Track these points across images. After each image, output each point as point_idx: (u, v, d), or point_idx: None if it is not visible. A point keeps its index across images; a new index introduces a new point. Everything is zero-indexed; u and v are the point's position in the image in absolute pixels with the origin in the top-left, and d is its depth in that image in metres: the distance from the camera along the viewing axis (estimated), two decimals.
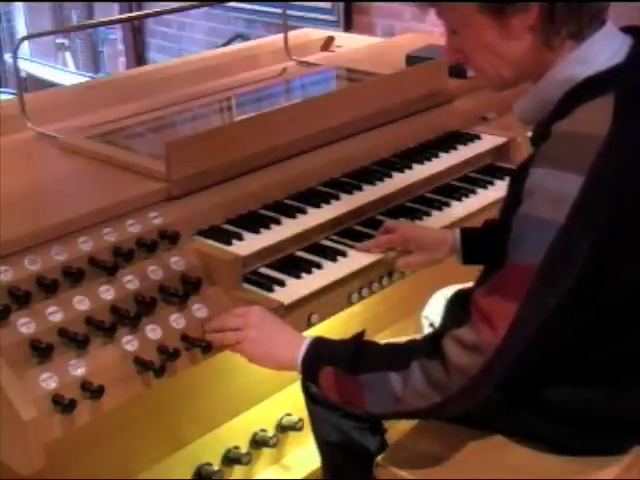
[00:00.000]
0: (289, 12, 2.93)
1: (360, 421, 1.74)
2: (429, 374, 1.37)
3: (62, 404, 1.43)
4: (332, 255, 1.80)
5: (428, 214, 2.01)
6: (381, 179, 2.05)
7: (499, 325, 1.32)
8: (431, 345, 1.40)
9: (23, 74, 5.27)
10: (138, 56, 6.18)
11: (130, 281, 1.62)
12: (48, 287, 1.53)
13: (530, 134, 1.55)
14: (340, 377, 1.45)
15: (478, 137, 2.33)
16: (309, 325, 1.73)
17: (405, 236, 1.84)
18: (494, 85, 1.54)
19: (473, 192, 2.13)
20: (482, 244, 1.79)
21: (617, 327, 1.45)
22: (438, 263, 1.86)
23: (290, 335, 1.54)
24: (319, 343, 1.51)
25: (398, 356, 1.43)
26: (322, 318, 1.75)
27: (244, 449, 2.11)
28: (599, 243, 1.30)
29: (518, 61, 1.45)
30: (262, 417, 2.15)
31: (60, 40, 6.51)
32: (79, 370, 1.48)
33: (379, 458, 1.61)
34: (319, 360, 1.48)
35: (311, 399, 1.81)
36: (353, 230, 1.92)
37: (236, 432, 2.09)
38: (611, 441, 1.51)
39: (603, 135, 1.30)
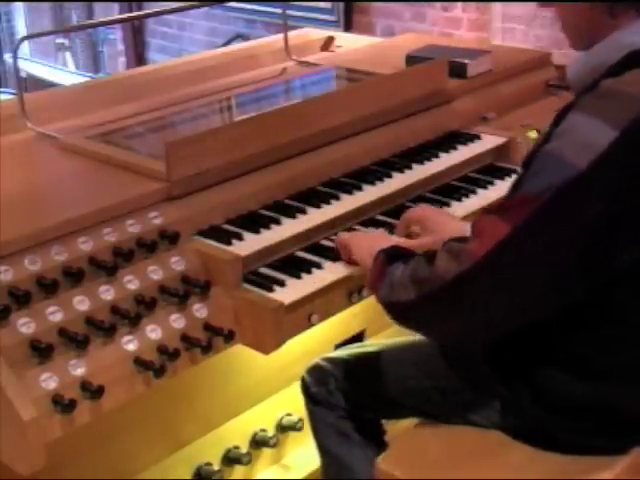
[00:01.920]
0: (289, 12, 2.93)
1: (359, 422, 1.74)
2: (415, 269, 1.43)
3: (62, 404, 1.43)
4: (332, 255, 1.80)
5: None
6: (381, 179, 2.05)
7: (486, 241, 1.32)
8: (435, 252, 1.43)
9: (23, 74, 5.27)
10: (138, 56, 6.18)
11: (130, 281, 1.62)
12: (48, 287, 1.53)
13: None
14: (380, 264, 1.55)
15: (478, 137, 2.33)
16: (309, 325, 1.72)
17: (425, 215, 1.83)
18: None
19: (473, 192, 2.13)
20: None
21: (615, 311, 1.43)
22: None
23: (388, 239, 1.70)
24: (395, 245, 1.61)
25: (414, 256, 1.49)
26: (322, 318, 1.75)
27: (244, 449, 2.11)
28: (611, 206, 1.29)
29: (578, 24, 1.47)
30: (262, 417, 2.15)
31: (60, 40, 6.51)
32: (79, 370, 1.48)
33: (379, 458, 1.61)
34: (383, 251, 1.57)
35: (311, 400, 1.81)
36: (353, 230, 1.92)
37: (236, 432, 2.09)
38: (611, 438, 1.51)
39: None
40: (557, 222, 1.30)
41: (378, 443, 1.76)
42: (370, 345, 1.86)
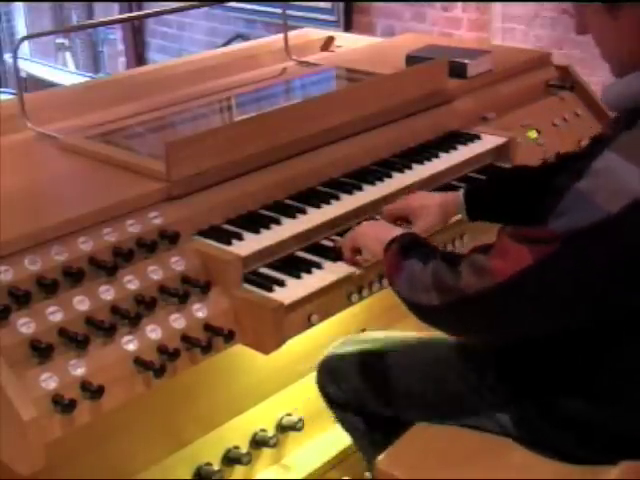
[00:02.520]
0: (289, 12, 2.93)
1: (372, 420, 1.75)
2: (438, 275, 1.43)
3: (62, 404, 1.43)
4: (332, 255, 1.80)
5: None
6: (381, 179, 2.05)
7: (509, 265, 1.35)
8: (455, 256, 1.47)
9: (23, 74, 5.27)
10: (138, 56, 6.19)
11: (130, 281, 1.62)
12: (48, 287, 1.53)
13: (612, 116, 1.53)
14: (394, 254, 1.56)
15: (478, 137, 2.33)
16: (309, 325, 1.73)
17: (411, 203, 1.87)
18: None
19: None
20: (488, 200, 1.83)
21: (625, 338, 1.45)
22: (438, 227, 1.87)
23: (395, 228, 1.69)
24: (407, 233, 1.64)
25: (431, 253, 1.51)
26: (322, 318, 1.75)
27: (244, 449, 2.11)
28: (634, 251, 1.28)
29: (619, 49, 1.44)
30: (262, 417, 2.15)
31: (60, 40, 6.51)
32: (79, 370, 1.48)
33: (379, 458, 1.61)
34: (395, 240, 1.59)
35: (327, 398, 1.83)
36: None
37: (236, 432, 2.09)
38: (615, 456, 1.51)
39: None
40: (580, 262, 1.31)
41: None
42: (379, 340, 1.85)
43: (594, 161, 1.33)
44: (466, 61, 2.52)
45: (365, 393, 1.78)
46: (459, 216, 1.87)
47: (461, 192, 1.86)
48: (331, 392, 1.83)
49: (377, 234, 1.66)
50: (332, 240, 1.87)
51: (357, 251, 1.75)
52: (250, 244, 1.76)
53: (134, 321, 1.56)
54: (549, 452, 1.54)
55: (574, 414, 1.50)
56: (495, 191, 1.85)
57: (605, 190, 1.29)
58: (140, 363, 1.54)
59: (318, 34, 3.10)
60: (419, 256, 1.50)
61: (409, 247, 1.55)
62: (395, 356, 1.77)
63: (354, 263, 1.76)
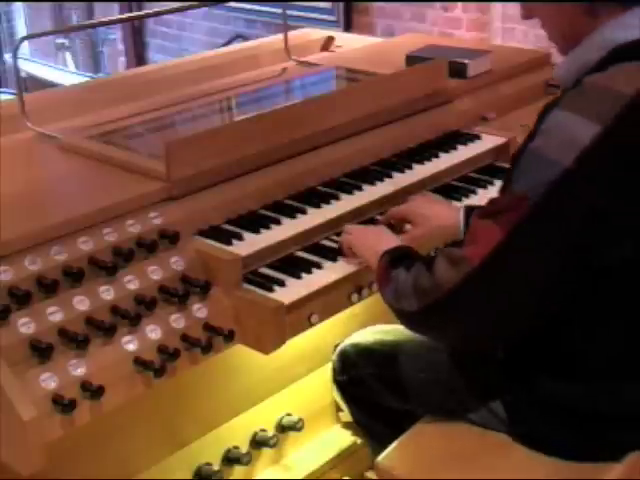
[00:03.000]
0: (289, 12, 2.93)
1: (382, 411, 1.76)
2: (417, 278, 1.43)
3: (62, 404, 1.43)
4: (332, 255, 1.80)
5: None
6: (381, 179, 2.05)
7: (482, 247, 1.34)
8: (434, 256, 1.45)
9: (23, 74, 5.27)
10: (138, 56, 6.19)
11: (130, 281, 1.62)
12: (48, 287, 1.53)
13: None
14: (384, 267, 1.57)
15: (478, 137, 2.33)
16: (309, 325, 1.72)
17: (415, 210, 1.88)
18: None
19: (473, 192, 2.13)
20: None
21: (606, 312, 1.45)
22: (436, 242, 1.86)
23: (391, 237, 1.71)
24: (400, 246, 1.64)
25: (415, 260, 1.51)
26: (322, 318, 1.75)
27: (244, 449, 2.11)
28: (599, 200, 1.30)
29: (561, 26, 1.49)
30: (262, 417, 2.15)
31: (60, 40, 6.51)
32: (79, 370, 1.48)
33: (379, 458, 1.61)
34: (387, 252, 1.60)
35: (339, 386, 1.89)
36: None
37: (236, 432, 2.09)
38: (608, 443, 1.51)
39: (631, 94, 1.32)
40: (548, 222, 1.32)
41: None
42: (392, 332, 1.86)
43: (543, 123, 1.37)
44: (466, 61, 2.52)
45: (375, 383, 1.80)
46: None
47: (461, 211, 1.84)
48: (342, 380, 1.85)
49: (372, 244, 1.68)
50: (332, 240, 1.87)
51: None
52: (250, 244, 1.76)
53: (134, 321, 1.56)
54: (547, 449, 1.54)
55: (559, 397, 1.51)
56: None
57: (556, 143, 1.33)
58: (140, 363, 1.53)
59: (318, 34, 3.10)
60: (405, 265, 1.51)
61: (398, 258, 1.56)
62: (406, 348, 1.78)
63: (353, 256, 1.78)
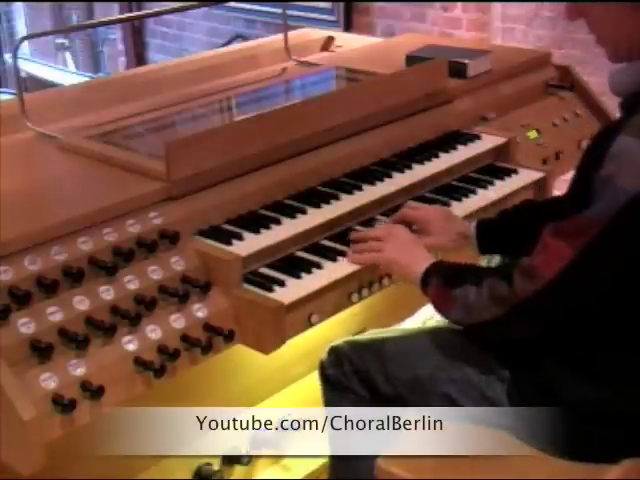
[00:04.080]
0: (289, 12, 2.93)
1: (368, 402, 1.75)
2: (494, 289, 1.51)
3: (62, 404, 1.43)
4: (332, 255, 1.80)
5: None
6: (381, 179, 2.05)
7: (553, 262, 1.43)
8: (504, 268, 1.55)
9: (23, 74, 5.26)
10: (138, 56, 6.19)
11: (130, 281, 1.62)
12: (48, 287, 1.53)
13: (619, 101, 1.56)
14: (440, 288, 1.61)
15: (478, 137, 2.33)
16: (309, 325, 1.73)
17: (428, 217, 1.90)
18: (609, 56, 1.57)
19: (473, 192, 2.13)
20: (497, 233, 1.87)
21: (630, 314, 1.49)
22: (447, 250, 1.90)
23: (423, 253, 1.72)
24: (439, 263, 1.68)
25: (481, 274, 1.57)
26: (322, 318, 1.75)
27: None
28: None
29: (617, 33, 1.48)
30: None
31: (60, 40, 6.51)
32: (79, 370, 1.48)
33: (379, 458, 1.60)
34: (433, 274, 1.64)
35: (327, 383, 1.82)
36: (353, 230, 1.92)
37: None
38: (612, 445, 1.52)
39: None
40: (615, 245, 1.40)
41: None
42: (389, 331, 1.87)
43: (610, 148, 1.39)
44: (466, 61, 2.52)
45: (368, 374, 1.77)
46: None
47: (472, 225, 1.90)
48: (331, 374, 1.83)
49: (409, 263, 1.70)
50: (332, 240, 1.87)
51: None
52: (250, 244, 1.76)
53: (134, 321, 1.56)
54: (551, 447, 1.54)
55: (570, 396, 1.53)
56: (504, 225, 1.89)
57: (626, 172, 1.36)
58: (140, 363, 1.54)
59: (318, 34, 3.10)
60: (470, 280, 1.55)
61: (452, 276, 1.60)
62: (397, 340, 1.78)
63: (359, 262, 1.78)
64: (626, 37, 1.45)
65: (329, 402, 1.85)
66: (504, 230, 1.88)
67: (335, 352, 1.84)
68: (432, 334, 1.77)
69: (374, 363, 1.76)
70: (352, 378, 1.78)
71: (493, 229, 1.89)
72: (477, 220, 1.91)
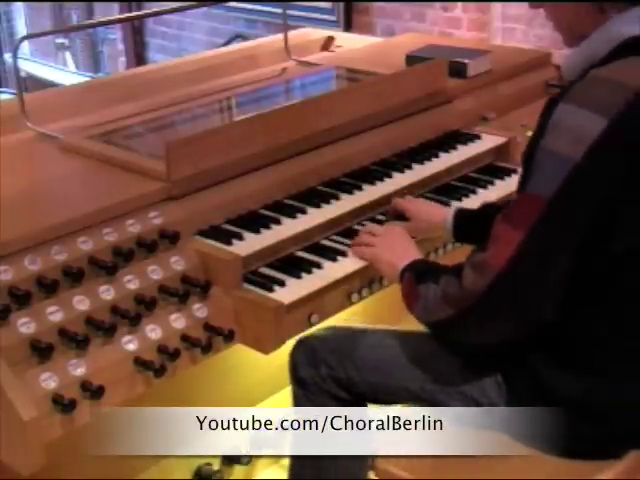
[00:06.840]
0: (289, 12, 2.93)
1: (341, 401, 1.72)
2: (446, 288, 1.47)
3: (62, 404, 1.43)
4: (332, 255, 1.80)
5: None
6: (381, 179, 2.05)
7: (504, 250, 1.38)
8: (461, 265, 1.48)
9: (23, 74, 5.26)
10: (138, 56, 6.18)
11: (130, 281, 1.62)
12: (48, 287, 1.53)
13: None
14: (410, 283, 1.58)
15: (478, 137, 2.33)
16: (309, 325, 1.73)
17: (417, 206, 1.93)
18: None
19: (473, 192, 2.13)
20: (476, 224, 1.83)
21: (615, 303, 1.46)
22: (424, 236, 1.90)
23: (412, 252, 1.70)
24: (419, 260, 1.67)
25: (441, 272, 1.53)
26: (322, 318, 1.75)
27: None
28: (611, 192, 1.34)
29: (569, 18, 1.50)
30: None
31: (60, 40, 6.50)
32: (79, 370, 1.48)
33: (379, 458, 1.61)
34: (409, 269, 1.62)
35: (298, 383, 1.76)
36: (353, 230, 1.92)
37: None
38: (608, 441, 1.51)
39: (636, 87, 1.34)
40: (564, 218, 1.35)
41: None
42: (365, 329, 1.80)
43: (550, 117, 1.38)
44: (466, 61, 2.52)
45: (340, 368, 1.70)
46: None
47: (451, 212, 1.89)
48: (305, 375, 1.73)
49: (391, 260, 1.69)
50: (332, 240, 1.87)
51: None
52: (250, 244, 1.76)
53: (134, 321, 1.56)
54: (547, 446, 1.54)
55: (562, 390, 1.51)
56: (483, 217, 1.81)
57: (565, 139, 1.35)
58: (140, 363, 1.54)
59: (318, 34, 3.10)
60: (431, 278, 1.53)
61: (422, 272, 1.58)
62: (384, 348, 1.72)
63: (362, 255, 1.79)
64: (578, 22, 1.47)
65: (301, 402, 1.76)
66: (482, 221, 1.81)
67: (307, 350, 1.74)
68: (421, 339, 1.69)
69: (356, 371, 1.69)
70: (331, 384, 1.71)
71: (471, 219, 1.87)
72: (457, 208, 1.90)
